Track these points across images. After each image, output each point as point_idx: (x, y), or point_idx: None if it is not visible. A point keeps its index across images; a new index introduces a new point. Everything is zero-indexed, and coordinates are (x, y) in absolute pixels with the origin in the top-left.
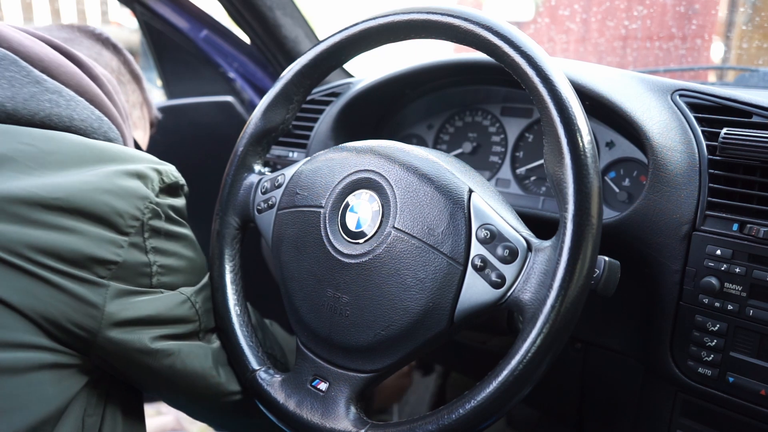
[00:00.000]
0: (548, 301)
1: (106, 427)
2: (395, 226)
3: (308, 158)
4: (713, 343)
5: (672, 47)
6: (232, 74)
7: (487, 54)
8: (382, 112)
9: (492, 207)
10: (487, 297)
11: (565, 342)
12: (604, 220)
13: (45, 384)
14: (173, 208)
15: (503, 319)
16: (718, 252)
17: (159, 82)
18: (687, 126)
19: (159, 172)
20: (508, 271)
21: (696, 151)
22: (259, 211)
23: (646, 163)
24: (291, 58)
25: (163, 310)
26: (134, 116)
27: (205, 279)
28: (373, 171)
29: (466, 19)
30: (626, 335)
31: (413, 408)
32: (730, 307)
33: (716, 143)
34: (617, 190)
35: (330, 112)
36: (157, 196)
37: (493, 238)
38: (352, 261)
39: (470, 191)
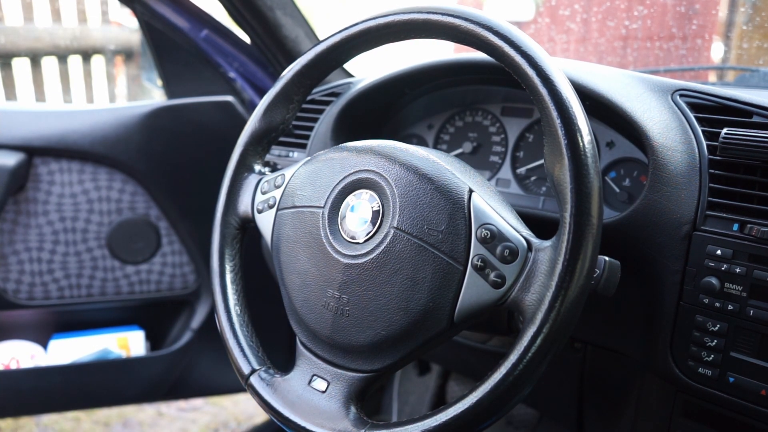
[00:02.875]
0: (548, 301)
1: None
2: (395, 225)
3: (308, 158)
4: (713, 343)
5: (672, 47)
6: (232, 74)
7: (488, 54)
8: (382, 112)
9: (492, 207)
10: (487, 297)
11: (565, 342)
12: (604, 220)
13: None
14: None
15: (503, 319)
16: (719, 252)
17: (159, 82)
18: (687, 126)
19: None
20: (508, 270)
21: (696, 151)
22: (259, 211)
23: (647, 163)
24: (291, 58)
25: None
26: None
27: None
28: (373, 171)
29: (466, 19)
30: (626, 335)
31: (413, 408)
32: (730, 307)
33: (716, 143)
34: (617, 190)
35: (330, 112)
36: None
37: (493, 238)
38: (352, 261)
39: (470, 191)
